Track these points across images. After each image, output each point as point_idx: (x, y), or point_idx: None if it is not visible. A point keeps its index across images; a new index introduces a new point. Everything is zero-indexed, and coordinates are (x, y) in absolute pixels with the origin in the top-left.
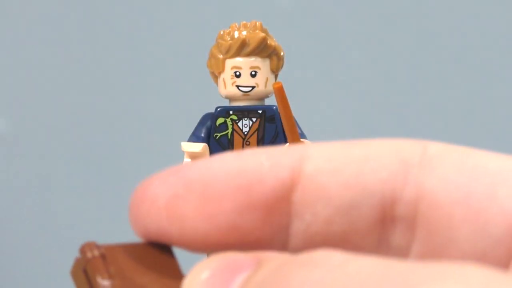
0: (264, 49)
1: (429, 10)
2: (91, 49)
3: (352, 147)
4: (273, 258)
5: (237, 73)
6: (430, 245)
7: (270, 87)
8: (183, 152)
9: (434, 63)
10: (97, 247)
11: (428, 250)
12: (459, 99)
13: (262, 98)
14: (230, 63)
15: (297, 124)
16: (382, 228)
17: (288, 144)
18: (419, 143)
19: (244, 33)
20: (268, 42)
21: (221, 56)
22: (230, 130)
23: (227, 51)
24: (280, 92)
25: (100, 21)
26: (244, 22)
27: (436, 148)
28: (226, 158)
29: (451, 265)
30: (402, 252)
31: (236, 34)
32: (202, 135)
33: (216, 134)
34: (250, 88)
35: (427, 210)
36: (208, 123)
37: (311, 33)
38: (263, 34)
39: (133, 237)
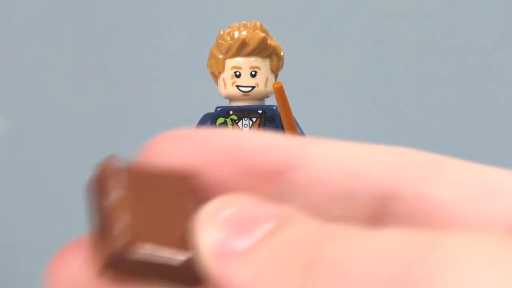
0: (264, 49)
1: (429, 11)
2: (91, 50)
3: (358, 144)
4: (300, 220)
5: (237, 73)
6: None
7: (270, 87)
8: None
9: (434, 64)
10: (116, 161)
11: None
12: (459, 99)
13: (262, 98)
14: (230, 63)
15: (297, 124)
16: (372, 224)
17: None
18: (425, 153)
19: (244, 33)
20: (268, 42)
21: (221, 56)
22: None
23: (227, 51)
24: (280, 92)
25: (100, 22)
26: (244, 22)
27: (440, 158)
28: (233, 131)
29: (476, 233)
30: None
31: (236, 34)
32: None
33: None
34: (250, 88)
35: (425, 209)
36: (208, 123)
37: (311, 33)
38: (263, 34)
39: None
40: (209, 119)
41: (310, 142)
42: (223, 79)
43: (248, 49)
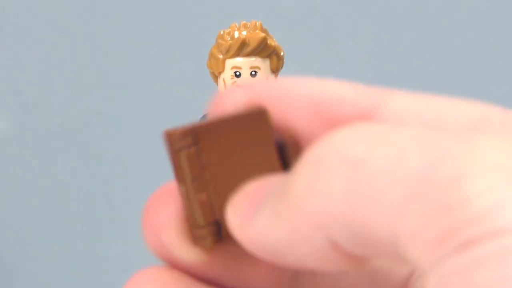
0: (264, 49)
1: (429, 11)
2: (92, 50)
3: (438, 98)
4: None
5: (237, 73)
6: None
7: None
8: None
9: (434, 64)
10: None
11: None
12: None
13: None
14: (230, 63)
15: None
16: None
17: None
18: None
19: (244, 33)
20: (268, 42)
21: (221, 56)
22: None
23: (227, 51)
24: None
25: (101, 22)
26: (244, 22)
27: None
28: (309, 80)
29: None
30: None
31: (236, 34)
32: None
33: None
34: None
35: None
36: None
37: (311, 33)
38: (263, 34)
39: (133, 238)
40: None
41: (387, 93)
42: (223, 79)
43: (248, 49)
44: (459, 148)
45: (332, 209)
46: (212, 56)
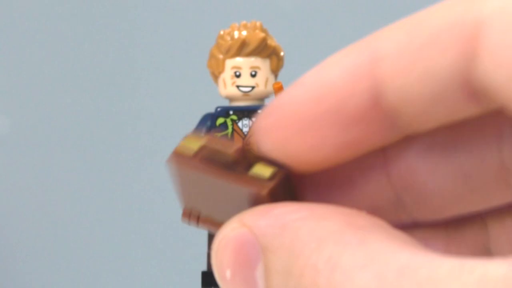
0: (264, 49)
1: None
2: (92, 50)
3: (414, 28)
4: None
5: (237, 73)
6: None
7: (270, 87)
8: None
9: None
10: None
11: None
12: None
13: (262, 98)
14: (230, 63)
15: None
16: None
17: None
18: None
19: (244, 33)
20: (268, 42)
21: (221, 56)
22: (230, 130)
23: (227, 51)
24: (280, 92)
25: (101, 22)
26: (244, 22)
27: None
28: (305, 82)
29: None
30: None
31: (236, 34)
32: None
33: (216, 134)
34: (250, 88)
35: None
36: (208, 123)
37: (311, 33)
38: (263, 34)
39: (133, 238)
40: (209, 119)
41: (374, 56)
42: (223, 79)
43: (248, 49)
44: None
45: None
46: (212, 56)
